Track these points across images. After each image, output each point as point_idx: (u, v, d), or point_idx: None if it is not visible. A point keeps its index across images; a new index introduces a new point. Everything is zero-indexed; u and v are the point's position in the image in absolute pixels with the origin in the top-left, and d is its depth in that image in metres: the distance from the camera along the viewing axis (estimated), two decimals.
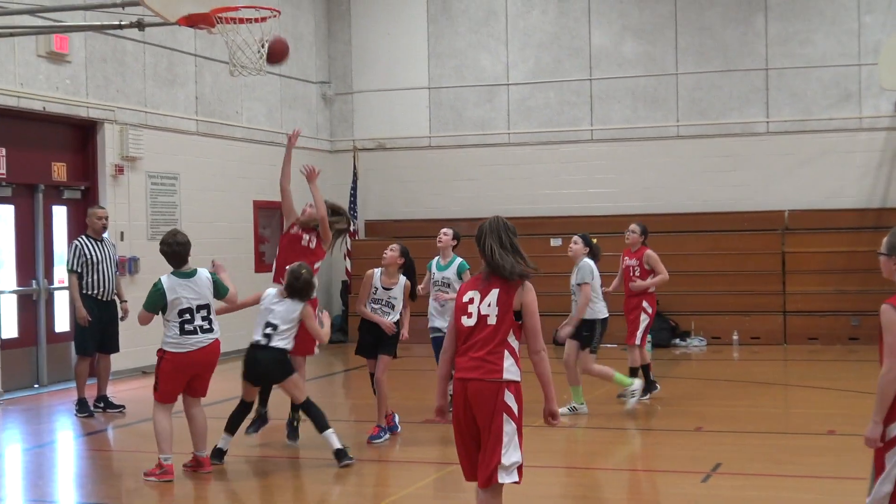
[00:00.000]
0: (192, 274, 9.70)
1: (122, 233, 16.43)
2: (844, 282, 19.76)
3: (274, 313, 10.03)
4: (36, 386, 15.43)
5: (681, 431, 11.91)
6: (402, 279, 11.33)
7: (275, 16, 10.87)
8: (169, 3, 10.22)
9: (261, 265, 19.80)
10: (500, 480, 6.41)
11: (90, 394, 13.46)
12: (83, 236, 13.61)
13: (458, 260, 12.34)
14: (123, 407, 13.46)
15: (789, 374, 17.04)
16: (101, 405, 13.46)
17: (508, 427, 6.41)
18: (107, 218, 13.82)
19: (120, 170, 16.61)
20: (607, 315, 12.43)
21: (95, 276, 13.36)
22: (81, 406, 13.25)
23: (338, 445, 9.92)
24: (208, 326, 9.69)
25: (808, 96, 20.51)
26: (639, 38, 21.25)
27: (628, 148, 21.26)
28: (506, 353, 6.46)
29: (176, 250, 9.69)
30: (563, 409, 11.36)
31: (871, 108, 20.21)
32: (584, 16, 21.48)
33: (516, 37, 21.86)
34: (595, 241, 12.53)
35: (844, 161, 20.27)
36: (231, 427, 10.32)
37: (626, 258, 13.73)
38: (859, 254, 19.24)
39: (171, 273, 9.71)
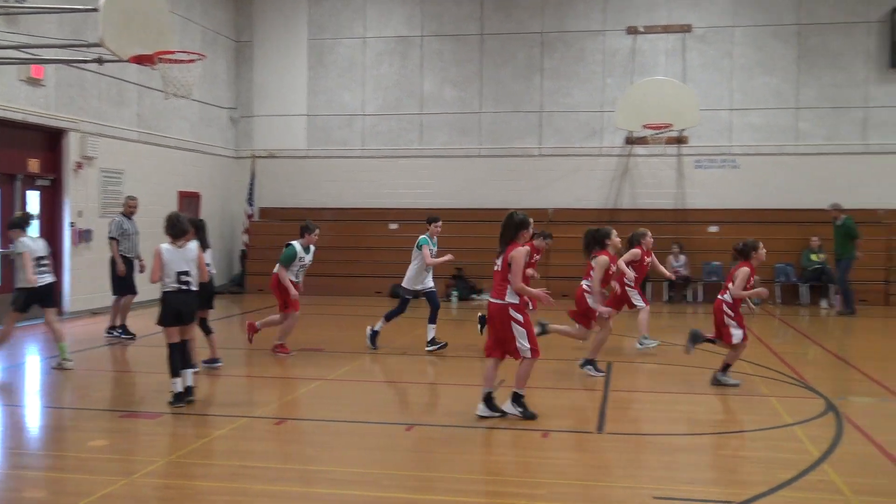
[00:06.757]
0: None
1: (79, 211, 15.90)
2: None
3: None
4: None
5: (476, 358, 12.11)
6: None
7: (201, 59, 10.70)
8: (122, 45, 9.96)
9: None
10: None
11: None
12: (121, 214, 13.36)
13: None
14: (134, 335, 13.09)
15: (551, 320, 17.39)
16: (120, 332, 13.10)
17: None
18: (137, 205, 13.56)
19: (80, 166, 16.03)
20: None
21: (127, 243, 13.18)
22: (111, 330, 13.12)
23: None
24: None
25: (567, 131, 21.10)
26: (455, 86, 21.49)
27: (446, 162, 21.49)
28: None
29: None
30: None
31: (609, 140, 20.91)
32: (418, 69, 21.60)
33: (370, 81, 21.84)
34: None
35: (589, 176, 20.93)
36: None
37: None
38: None
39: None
